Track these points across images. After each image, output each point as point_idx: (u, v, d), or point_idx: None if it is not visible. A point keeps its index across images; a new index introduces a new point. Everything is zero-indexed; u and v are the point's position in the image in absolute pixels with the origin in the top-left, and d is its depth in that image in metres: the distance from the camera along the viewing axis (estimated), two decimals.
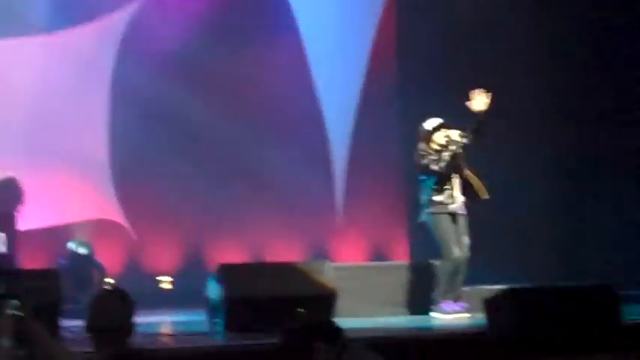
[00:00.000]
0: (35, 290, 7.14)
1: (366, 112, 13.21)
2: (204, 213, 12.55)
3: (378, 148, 13.29)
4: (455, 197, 9.26)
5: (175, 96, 12.39)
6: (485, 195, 9.29)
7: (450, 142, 9.26)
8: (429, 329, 8.41)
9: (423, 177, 9.32)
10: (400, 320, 9.08)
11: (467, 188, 9.33)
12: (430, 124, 9.37)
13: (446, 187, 9.25)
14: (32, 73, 12.12)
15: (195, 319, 8.94)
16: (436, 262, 9.52)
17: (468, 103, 9.12)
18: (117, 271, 11.98)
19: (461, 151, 9.26)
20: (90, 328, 4.30)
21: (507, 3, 12.96)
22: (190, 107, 12.48)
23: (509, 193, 12.46)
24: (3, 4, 11.87)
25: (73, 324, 7.32)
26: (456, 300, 9.19)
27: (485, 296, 7.75)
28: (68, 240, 11.67)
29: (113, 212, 12.37)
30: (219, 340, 7.76)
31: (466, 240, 9.26)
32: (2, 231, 10.38)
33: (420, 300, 9.52)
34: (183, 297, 11.04)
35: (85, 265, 11.39)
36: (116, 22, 12.43)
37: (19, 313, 4.19)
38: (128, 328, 4.30)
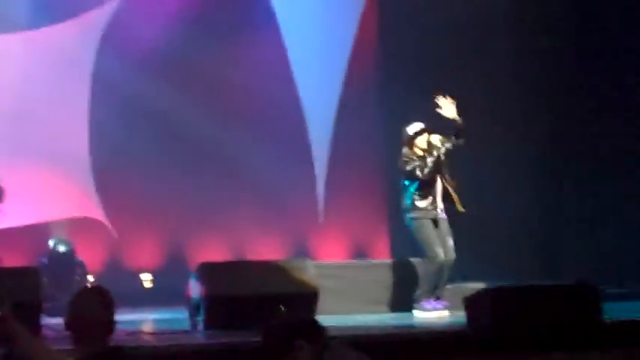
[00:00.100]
0: (15, 288, 7.13)
1: (347, 111, 13.22)
2: (185, 211, 12.54)
3: (360, 147, 13.30)
4: (437, 203, 9.32)
5: (157, 93, 12.37)
6: (460, 209, 9.34)
7: (432, 146, 9.31)
8: (410, 327, 8.42)
9: (406, 182, 9.36)
10: (381, 318, 9.10)
11: (446, 197, 9.39)
12: (412, 128, 9.41)
13: (428, 193, 9.30)
14: (13, 70, 12.08)
15: (176, 316, 8.93)
16: (417, 261, 9.56)
17: (438, 110, 9.20)
18: (98, 269, 11.95)
19: (443, 158, 9.31)
20: (70, 325, 4.28)
21: (490, 3, 12.98)
22: (172, 105, 12.46)
23: (491, 192, 12.51)
24: None
25: (53, 322, 7.30)
26: (437, 298, 9.23)
27: (466, 294, 7.78)
28: (49, 238, 11.64)
29: (94, 210, 12.33)
30: (200, 337, 7.75)
31: (450, 242, 9.31)
32: None
33: (402, 298, 9.57)
34: (164, 295, 11.03)
35: (66, 263, 11.36)
36: (97, 19, 12.39)
37: None
38: (108, 325, 4.29)
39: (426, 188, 9.29)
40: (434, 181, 9.32)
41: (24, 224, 11.71)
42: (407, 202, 9.34)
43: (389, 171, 11.31)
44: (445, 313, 9.11)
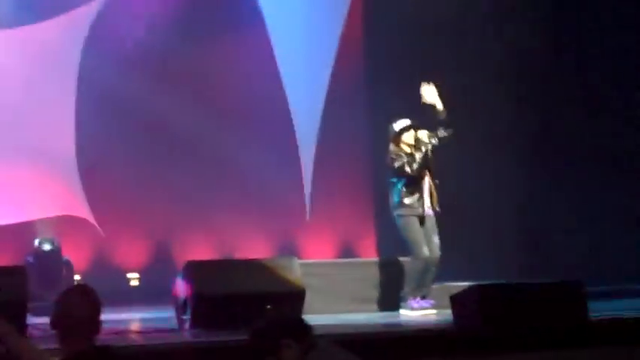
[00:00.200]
0: (1, 287, 7.11)
1: (334, 109, 13.21)
2: (172, 210, 12.52)
3: (347, 146, 13.30)
4: (424, 200, 9.32)
5: (143, 92, 12.34)
6: (436, 207, 9.34)
7: (419, 142, 9.32)
8: (397, 326, 8.43)
9: (394, 179, 9.36)
10: (368, 317, 9.09)
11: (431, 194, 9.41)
12: (398, 125, 9.42)
13: (416, 189, 9.30)
14: None
15: (163, 315, 8.92)
16: (404, 259, 9.56)
17: (421, 94, 9.23)
18: (84, 268, 11.93)
19: (430, 154, 9.31)
20: (56, 324, 4.27)
21: (474, 1, 13.00)
22: (158, 104, 12.43)
23: (478, 191, 12.53)
24: None
25: (40, 321, 7.28)
26: (423, 297, 9.25)
27: (453, 293, 7.79)
28: (35, 237, 11.60)
29: (80, 209, 12.29)
30: (186, 336, 7.74)
31: (436, 239, 9.32)
32: None
33: (389, 296, 9.57)
34: (150, 294, 11.02)
35: (52, 262, 11.32)
36: (82, 16, 12.34)
37: None
38: (95, 324, 4.28)
39: (413, 185, 9.29)
40: (421, 178, 9.32)
41: (9, 223, 11.67)
42: (395, 199, 9.34)
43: (376, 169, 11.33)
44: (432, 311, 9.11)
